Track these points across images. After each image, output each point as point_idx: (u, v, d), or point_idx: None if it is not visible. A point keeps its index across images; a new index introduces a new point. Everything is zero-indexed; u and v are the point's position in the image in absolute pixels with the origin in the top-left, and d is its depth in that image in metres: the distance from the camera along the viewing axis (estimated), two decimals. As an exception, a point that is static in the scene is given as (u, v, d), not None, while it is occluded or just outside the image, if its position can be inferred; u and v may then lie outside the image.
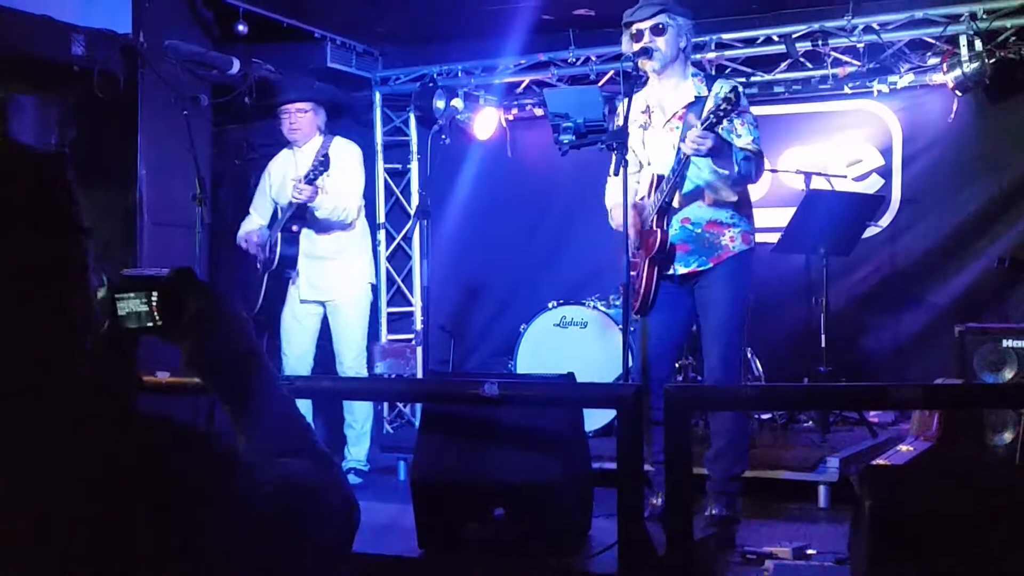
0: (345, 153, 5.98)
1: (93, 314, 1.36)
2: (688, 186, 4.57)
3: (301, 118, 6.02)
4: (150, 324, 1.45)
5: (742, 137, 4.50)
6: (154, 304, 1.45)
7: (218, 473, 1.26)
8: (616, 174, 4.44)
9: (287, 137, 6.10)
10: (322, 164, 5.65)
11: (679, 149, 4.41)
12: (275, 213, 6.13)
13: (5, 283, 1.26)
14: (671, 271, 4.61)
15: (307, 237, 6.00)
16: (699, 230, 4.58)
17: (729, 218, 4.59)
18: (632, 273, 4.62)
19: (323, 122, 6.12)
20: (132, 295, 1.45)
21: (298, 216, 5.92)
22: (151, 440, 1.24)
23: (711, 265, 4.57)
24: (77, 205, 1.33)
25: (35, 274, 1.28)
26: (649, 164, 4.68)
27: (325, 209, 5.83)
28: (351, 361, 6.10)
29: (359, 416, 6.20)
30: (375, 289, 8.15)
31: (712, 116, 4.26)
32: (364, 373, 6.28)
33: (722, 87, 4.53)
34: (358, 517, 1.46)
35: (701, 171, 4.51)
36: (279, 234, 5.96)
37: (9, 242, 1.26)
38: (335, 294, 6.08)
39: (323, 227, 5.96)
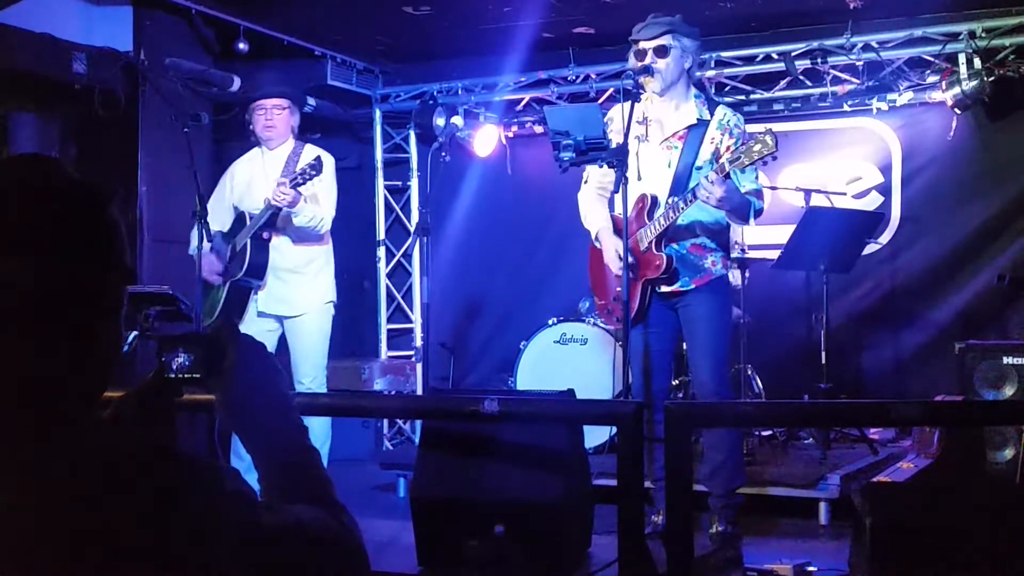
0: (324, 160, 5.41)
1: (118, 352, 1.38)
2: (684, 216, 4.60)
3: (278, 116, 5.58)
4: (193, 376, 1.58)
5: (746, 174, 4.52)
6: (198, 358, 1.57)
7: (224, 509, 1.26)
8: (616, 191, 4.46)
9: (260, 136, 5.63)
10: (314, 168, 5.19)
11: (692, 189, 4.43)
12: (238, 219, 5.59)
13: (29, 307, 1.26)
14: (658, 288, 4.64)
15: (275, 246, 5.50)
16: (684, 251, 4.64)
17: (711, 242, 4.67)
18: (617, 288, 4.65)
19: (297, 125, 5.70)
20: (179, 351, 1.57)
21: (270, 223, 5.42)
22: (158, 470, 1.24)
23: (693, 286, 4.63)
24: (119, 243, 1.35)
25: (64, 302, 1.28)
26: (640, 179, 4.67)
27: (305, 216, 5.36)
28: (309, 382, 5.51)
29: (319, 434, 5.39)
30: (375, 303, 8.20)
31: (727, 163, 4.32)
32: None
33: (725, 114, 4.61)
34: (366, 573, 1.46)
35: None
36: (248, 240, 5.43)
37: (43, 267, 1.26)
38: (295, 310, 5.54)
39: (297, 236, 5.49)
